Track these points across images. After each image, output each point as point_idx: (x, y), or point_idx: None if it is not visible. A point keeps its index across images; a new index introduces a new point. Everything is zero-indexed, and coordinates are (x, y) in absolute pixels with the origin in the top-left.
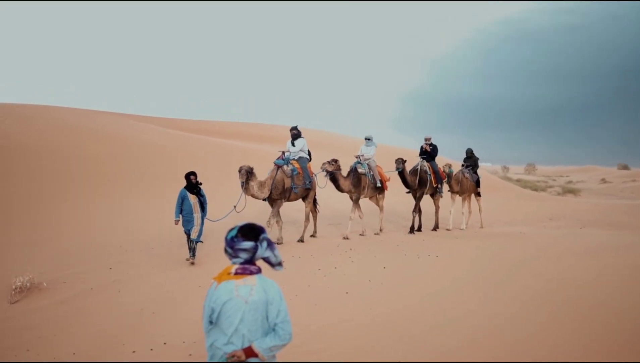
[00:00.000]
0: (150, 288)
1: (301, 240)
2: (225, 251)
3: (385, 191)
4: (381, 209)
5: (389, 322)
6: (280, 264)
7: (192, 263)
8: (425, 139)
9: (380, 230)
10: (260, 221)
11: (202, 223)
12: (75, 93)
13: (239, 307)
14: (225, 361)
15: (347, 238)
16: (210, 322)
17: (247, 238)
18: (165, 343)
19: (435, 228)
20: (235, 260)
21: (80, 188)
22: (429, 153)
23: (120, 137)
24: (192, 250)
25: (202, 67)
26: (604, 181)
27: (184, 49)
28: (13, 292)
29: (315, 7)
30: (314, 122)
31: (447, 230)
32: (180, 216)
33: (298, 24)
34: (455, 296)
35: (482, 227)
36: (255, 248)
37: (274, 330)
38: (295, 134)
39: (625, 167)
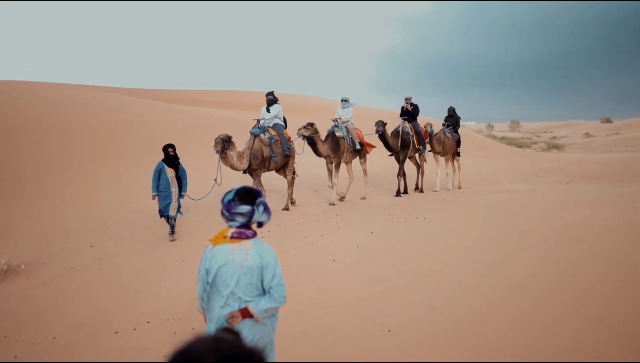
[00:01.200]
0: (132, 266)
1: (286, 208)
2: (222, 214)
3: (368, 155)
4: (365, 173)
5: (376, 291)
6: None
7: (173, 240)
8: (406, 99)
9: (363, 198)
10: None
11: (180, 198)
12: (43, 65)
13: (235, 271)
14: (222, 323)
15: (333, 204)
16: (207, 283)
17: (244, 201)
18: (148, 322)
19: (421, 190)
20: (231, 223)
21: (56, 164)
22: (410, 112)
23: (95, 109)
24: (172, 227)
25: (176, 34)
26: (587, 135)
27: (156, 17)
28: None
29: None
30: (289, 86)
31: (434, 191)
32: (157, 191)
33: None
34: (445, 259)
35: (460, 187)
36: (252, 212)
37: (269, 292)
38: (271, 100)
39: (608, 120)
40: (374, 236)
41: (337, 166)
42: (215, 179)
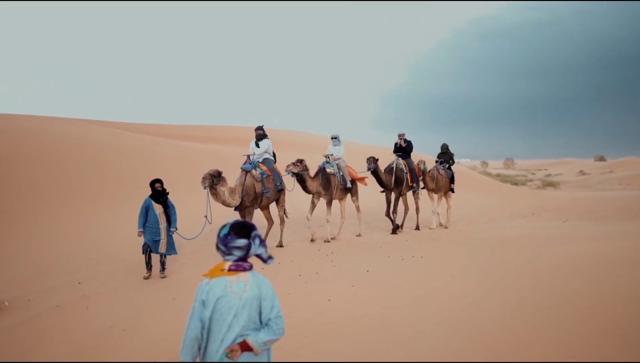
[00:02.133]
0: (121, 304)
1: (280, 245)
2: (218, 248)
3: (360, 190)
4: (357, 209)
5: (373, 330)
6: (270, 257)
7: (164, 277)
8: (399, 136)
9: (359, 235)
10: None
11: (169, 235)
12: (23, 99)
13: (233, 303)
14: (222, 359)
15: (329, 241)
16: (201, 320)
17: (239, 235)
18: None
19: (417, 227)
20: (228, 257)
21: (43, 199)
22: (404, 148)
23: (84, 142)
24: (162, 264)
25: (181, 69)
26: (582, 173)
27: (152, 52)
28: None
29: (292, 8)
30: (291, 123)
31: (430, 229)
32: (144, 227)
33: (276, 26)
34: (442, 299)
35: (446, 227)
36: (249, 246)
37: (267, 325)
38: (261, 135)
39: (602, 158)
40: (369, 274)
41: (329, 204)
42: (206, 216)
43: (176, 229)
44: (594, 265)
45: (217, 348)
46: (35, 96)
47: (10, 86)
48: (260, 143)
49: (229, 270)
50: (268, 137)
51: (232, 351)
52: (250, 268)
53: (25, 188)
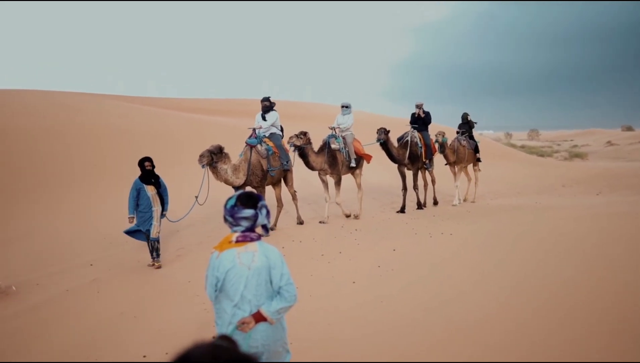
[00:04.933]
0: (133, 287)
1: (300, 222)
2: (225, 220)
3: (361, 168)
4: (359, 187)
5: (402, 315)
6: (271, 228)
7: (159, 267)
8: (417, 106)
9: (357, 216)
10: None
11: (162, 217)
12: (37, 73)
13: (242, 274)
14: (233, 331)
15: (354, 216)
16: (215, 290)
17: (246, 206)
18: (144, 357)
19: (435, 202)
20: (236, 228)
21: (55, 178)
22: (422, 119)
23: (92, 118)
24: (155, 251)
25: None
26: (609, 143)
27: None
28: None
29: None
30: (298, 94)
31: (453, 205)
32: (136, 212)
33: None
34: (477, 282)
35: (474, 201)
36: (256, 216)
37: (279, 293)
38: (267, 106)
39: (630, 128)
40: (396, 253)
41: (338, 183)
42: (196, 197)
43: (167, 212)
44: None
45: (230, 319)
46: (43, 69)
47: (16, 60)
48: (267, 116)
49: (237, 241)
50: (275, 108)
51: (244, 323)
52: (258, 238)
53: (30, 166)
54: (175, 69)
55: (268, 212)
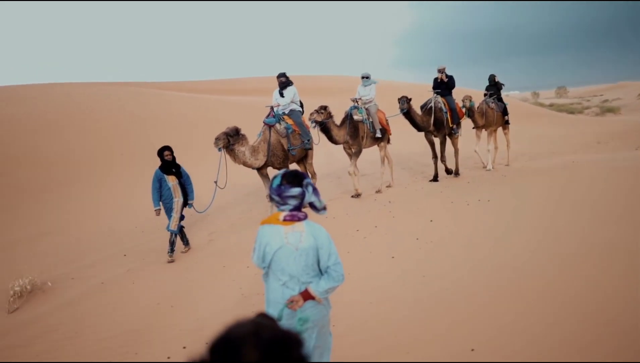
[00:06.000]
0: (168, 276)
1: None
2: (271, 199)
3: (389, 137)
4: (389, 160)
5: (450, 294)
6: (324, 208)
7: (172, 261)
8: (439, 70)
9: (389, 186)
10: (258, 194)
11: (188, 207)
12: (41, 65)
13: (290, 254)
14: (282, 310)
15: (358, 196)
16: (263, 262)
17: (292, 184)
18: (184, 348)
19: (457, 172)
20: (283, 207)
21: (85, 170)
22: (445, 84)
23: (124, 109)
24: (170, 245)
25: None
26: None
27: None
28: (11, 299)
29: None
30: (307, 68)
31: (487, 170)
32: (161, 203)
33: None
34: (522, 252)
35: (507, 164)
36: (303, 194)
37: (326, 272)
38: (284, 82)
39: None
40: (434, 224)
41: (356, 155)
42: (216, 182)
43: (193, 201)
44: None
45: (278, 299)
46: (59, 62)
47: (36, 55)
48: (284, 92)
49: (284, 220)
50: (293, 84)
51: (292, 302)
52: (305, 217)
53: (58, 160)
54: (184, 50)
55: (315, 189)
